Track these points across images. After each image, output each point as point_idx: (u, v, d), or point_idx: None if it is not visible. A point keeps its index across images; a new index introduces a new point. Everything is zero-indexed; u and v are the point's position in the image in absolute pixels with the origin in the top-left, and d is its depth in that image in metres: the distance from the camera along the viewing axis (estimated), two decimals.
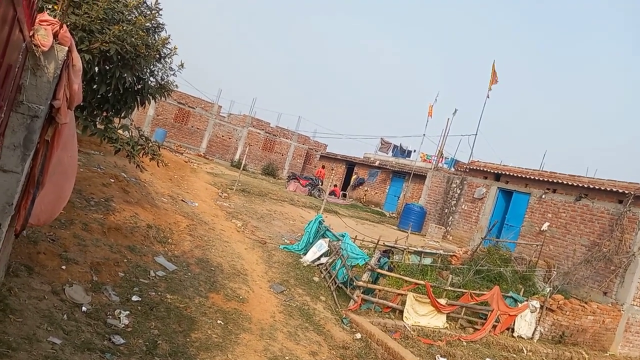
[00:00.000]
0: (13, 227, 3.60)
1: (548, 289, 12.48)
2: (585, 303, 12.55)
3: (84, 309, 5.73)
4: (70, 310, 5.51)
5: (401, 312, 10.01)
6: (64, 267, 6.27)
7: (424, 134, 28.71)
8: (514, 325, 11.15)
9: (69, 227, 7.28)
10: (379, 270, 10.36)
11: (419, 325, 9.88)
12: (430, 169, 23.60)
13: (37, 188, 3.44)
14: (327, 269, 10.91)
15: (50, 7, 3.92)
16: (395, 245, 12.82)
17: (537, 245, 15.39)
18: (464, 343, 9.97)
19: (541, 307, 11.43)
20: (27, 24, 2.59)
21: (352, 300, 9.81)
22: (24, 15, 2.44)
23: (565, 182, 15.59)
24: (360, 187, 32.60)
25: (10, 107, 2.89)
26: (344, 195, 31.11)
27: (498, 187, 18.54)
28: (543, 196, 16.49)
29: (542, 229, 16.02)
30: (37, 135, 3.08)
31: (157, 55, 5.49)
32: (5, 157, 2.97)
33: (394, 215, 26.14)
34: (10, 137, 2.98)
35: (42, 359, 4.32)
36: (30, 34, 2.81)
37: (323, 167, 32.46)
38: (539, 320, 11.41)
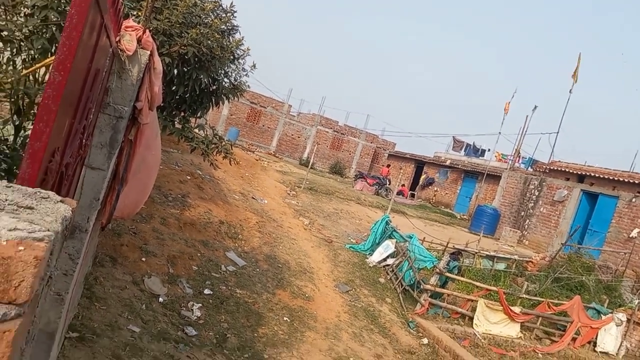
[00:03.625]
0: (100, 221, 3.86)
1: (637, 301, 11.45)
2: None
3: (160, 299, 6.04)
4: (149, 301, 5.84)
5: (471, 318, 9.64)
6: (143, 259, 6.65)
7: (500, 132, 27.27)
8: (596, 339, 10.35)
9: (149, 221, 7.72)
10: (448, 274, 10.04)
11: (490, 334, 9.46)
12: (506, 169, 22.51)
13: (121, 184, 3.66)
14: (393, 270, 10.75)
15: (134, 13, 4.15)
16: (466, 249, 12.37)
17: (625, 253, 14.18)
18: (540, 355, 9.41)
19: (628, 320, 10.52)
20: (113, 30, 2.75)
21: (419, 303, 9.59)
22: (111, 22, 2.59)
23: None
24: (430, 187, 31.81)
25: (99, 109, 3.09)
26: (412, 195, 30.51)
27: (581, 190, 17.33)
28: (633, 200, 15.16)
29: (631, 236, 14.74)
30: (121, 135, 3.27)
31: (231, 57, 5.66)
32: (93, 155, 3.18)
33: (465, 217, 25.27)
34: (98, 137, 3.19)
35: (122, 345, 4.60)
36: (117, 40, 2.98)
37: (388, 166, 31.98)
38: (625, 335, 10.51)
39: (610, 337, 10.43)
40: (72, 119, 2.27)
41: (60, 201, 1.20)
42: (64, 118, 1.94)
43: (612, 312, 10.56)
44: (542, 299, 10.28)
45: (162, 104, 5.01)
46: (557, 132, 20.12)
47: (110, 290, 5.49)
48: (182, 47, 4.65)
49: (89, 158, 3.16)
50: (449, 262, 10.53)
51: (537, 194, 18.97)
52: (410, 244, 10.84)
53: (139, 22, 3.38)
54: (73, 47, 1.59)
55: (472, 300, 9.79)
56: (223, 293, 7.05)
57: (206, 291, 6.85)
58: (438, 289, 9.78)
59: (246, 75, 6.15)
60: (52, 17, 3.01)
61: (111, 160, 3.30)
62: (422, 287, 9.67)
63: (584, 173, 17.34)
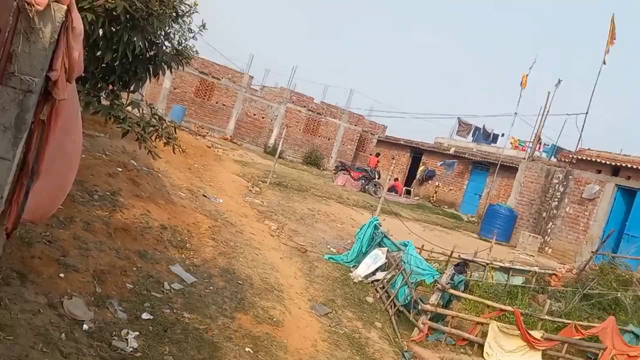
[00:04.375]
0: (3, 225, 3.80)
1: None
2: None
3: (85, 327, 5.98)
4: (70, 328, 5.77)
5: (481, 346, 9.83)
6: (62, 275, 6.56)
7: (516, 113, 27.75)
8: None
9: (69, 227, 7.61)
10: (452, 291, 10.22)
11: None
12: (524, 158, 22.97)
13: (31, 178, 3.60)
14: (384, 287, 10.87)
15: None
16: (475, 259, 12.59)
17: None
18: None
19: None
20: None
21: (416, 328, 9.73)
22: None
23: None
24: (430, 181, 32.25)
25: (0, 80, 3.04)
26: (408, 192, 30.88)
27: (616, 185, 17.84)
28: None
29: None
30: (31, 114, 3.22)
31: (174, 14, 5.61)
32: None
33: (473, 219, 25.73)
34: (0, 117, 3.13)
35: None
36: None
37: (377, 155, 32.27)
38: None
39: None
40: None
41: None
42: None
43: None
44: (568, 321, 10.54)
45: (83, 75, 4.93)
46: (586, 113, 20.59)
47: (18, 315, 5.41)
48: (109, 0, 4.59)
49: None
50: (454, 275, 10.71)
51: (562, 190, 19.43)
52: (406, 253, 10.98)
53: None
54: None
55: (483, 324, 9.98)
56: (167, 317, 7.02)
57: (145, 316, 6.81)
58: (440, 310, 9.94)
59: (193, 37, 6.12)
60: None
61: (17, 147, 3.25)
62: (420, 307, 9.82)
63: (619, 164, 17.84)
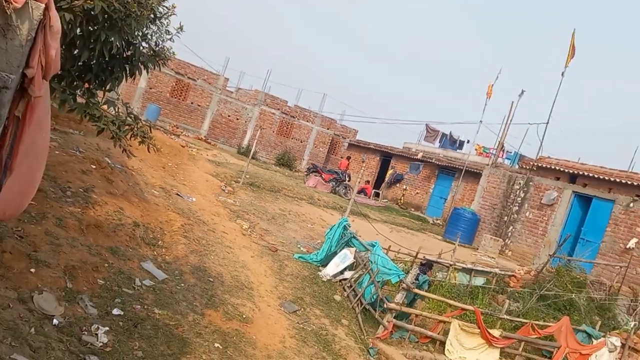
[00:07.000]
0: None
1: (633, 323, 12.23)
2: None
3: (55, 321, 5.88)
4: (39, 323, 5.68)
5: (443, 343, 9.98)
6: (33, 270, 6.45)
7: (481, 121, 28.24)
8: None
9: (41, 222, 7.48)
10: (416, 291, 10.34)
11: None
12: (488, 164, 23.36)
13: (4, 174, 3.54)
14: (351, 286, 10.94)
15: None
16: (439, 260, 12.75)
17: (621, 267, 15.09)
18: None
19: (623, 345, 11.22)
20: None
21: (381, 326, 9.82)
22: None
23: None
24: (398, 185, 32.51)
25: None
26: (377, 195, 31.07)
27: (573, 191, 18.25)
28: (631, 205, 16.13)
29: (628, 247, 15.71)
30: (6, 110, 3.17)
31: (152, 16, 5.55)
32: None
33: (438, 221, 26.03)
34: None
35: None
36: None
37: (348, 158, 32.47)
38: None
39: None
40: None
41: None
42: None
43: (604, 336, 11.20)
44: (525, 320, 10.77)
45: (60, 72, 4.86)
46: (547, 123, 21.06)
47: None
48: (87, 0, 4.53)
49: None
50: (418, 275, 10.84)
51: (522, 195, 19.80)
52: (373, 253, 11.06)
53: None
54: None
55: (445, 322, 10.13)
56: (137, 313, 6.95)
57: (115, 311, 6.73)
58: (404, 309, 10.05)
59: (170, 39, 6.06)
60: None
61: None
62: (385, 306, 9.91)
63: (576, 172, 18.25)
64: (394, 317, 9.90)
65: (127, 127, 6.05)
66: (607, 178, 16.96)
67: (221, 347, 7.26)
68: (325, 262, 11.82)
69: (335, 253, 11.89)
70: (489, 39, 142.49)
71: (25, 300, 5.91)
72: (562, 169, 18.73)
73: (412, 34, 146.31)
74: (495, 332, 10.17)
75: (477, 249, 19.36)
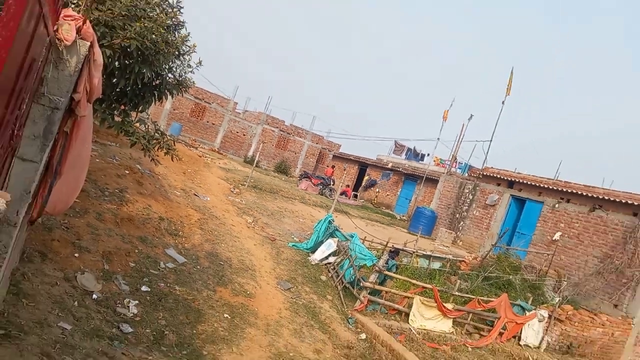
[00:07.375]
0: (29, 214, 3.72)
1: (557, 299, 12.37)
2: (595, 315, 12.41)
3: (94, 296, 5.86)
4: (81, 297, 5.65)
5: (407, 314, 10.02)
6: (76, 254, 6.41)
7: (438, 138, 28.53)
8: (520, 333, 11.08)
9: (83, 216, 7.43)
10: (386, 272, 10.38)
11: (424, 329, 9.88)
12: (443, 173, 23.49)
13: (54, 178, 3.54)
14: (334, 268, 10.96)
15: (75, 2, 4.03)
16: (404, 248, 12.81)
17: (548, 255, 15.25)
18: (470, 349, 9.95)
19: (549, 316, 11.34)
20: (51, 19, 2.68)
21: (358, 300, 9.84)
22: (49, 11, 2.54)
23: (579, 193, 15.41)
24: (372, 188, 32.56)
25: (32, 99, 2.99)
26: (355, 196, 31.08)
27: (511, 195, 18.40)
28: (556, 205, 16.32)
29: (554, 239, 15.86)
30: (56, 126, 3.18)
31: (177, 52, 5.59)
32: (25, 146, 3.07)
33: (404, 218, 26.09)
34: (31, 128, 3.09)
35: (52, 343, 4.44)
36: (54, 29, 2.90)
37: (333, 167, 32.46)
38: (546, 330, 11.32)
39: (533, 332, 11.19)
40: (4, 109, 2.21)
41: None
42: None
43: (535, 309, 11.32)
44: (473, 297, 10.84)
45: (101, 97, 4.87)
46: (491, 140, 21.31)
47: (39, 286, 5.26)
48: (125, 40, 4.55)
49: (20, 149, 3.06)
50: (388, 260, 10.88)
51: (471, 197, 19.94)
52: (352, 242, 11.10)
53: (79, 12, 3.31)
54: (10, 38, 1.57)
55: (409, 297, 10.17)
56: (161, 290, 6.93)
57: (144, 288, 6.71)
58: (377, 287, 10.08)
59: (191, 72, 6.09)
60: None
61: (44, 153, 3.20)
62: (361, 284, 9.94)
63: (513, 179, 18.43)
64: (368, 294, 9.93)
65: (155, 140, 6.07)
66: (537, 184, 17.12)
67: (229, 317, 7.25)
68: (314, 249, 11.83)
69: (322, 242, 11.91)
70: (447, 75, 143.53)
71: (70, 279, 5.88)
72: (502, 177, 18.89)
73: (391, 68, 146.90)
74: (449, 306, 10.24)
75: (435, 239, 19.43)
